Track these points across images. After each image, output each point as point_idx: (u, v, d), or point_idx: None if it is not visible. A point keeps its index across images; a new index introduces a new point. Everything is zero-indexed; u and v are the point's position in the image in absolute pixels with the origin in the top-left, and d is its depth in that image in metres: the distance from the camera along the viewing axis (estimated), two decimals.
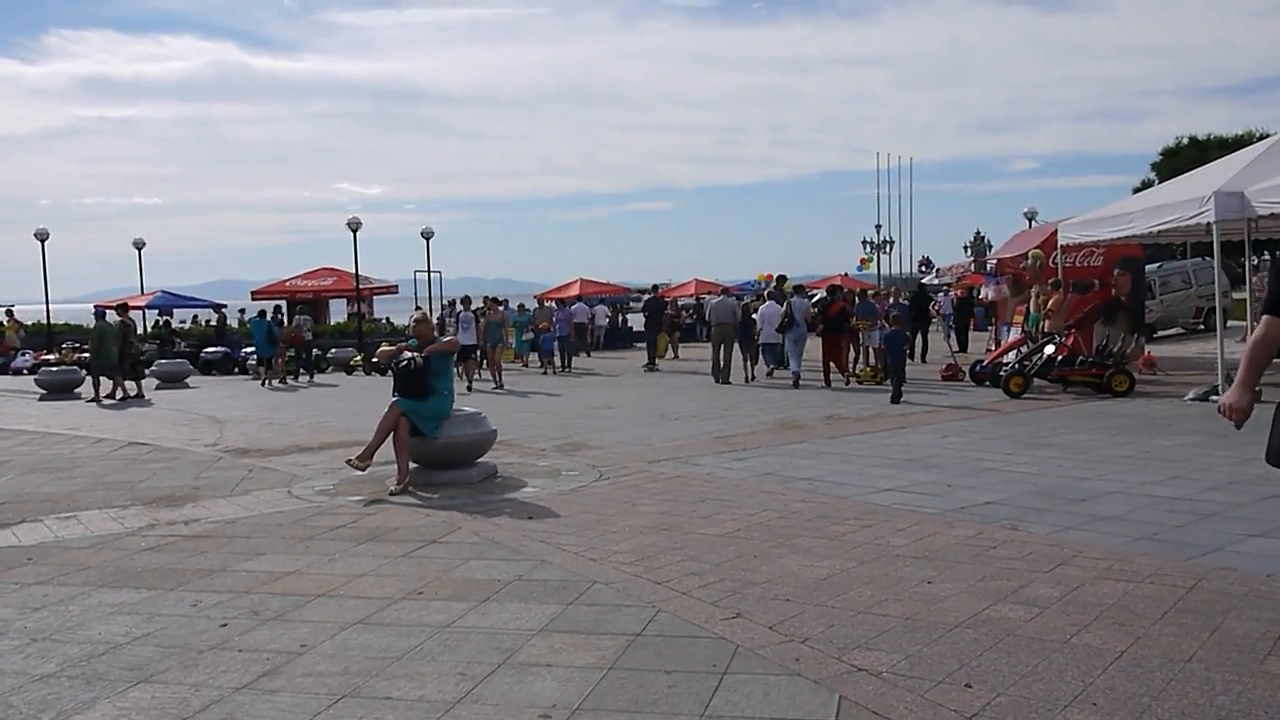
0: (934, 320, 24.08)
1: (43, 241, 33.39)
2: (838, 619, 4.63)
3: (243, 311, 28.25)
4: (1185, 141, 48.60)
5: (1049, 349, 14.65)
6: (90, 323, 23.53)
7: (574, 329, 26.69)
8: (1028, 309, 17.17)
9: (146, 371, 21.04)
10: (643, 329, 26.11)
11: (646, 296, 26.26)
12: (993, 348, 19.97)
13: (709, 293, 39.67)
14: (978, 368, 16.59)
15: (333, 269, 37.72)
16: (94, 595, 5.37)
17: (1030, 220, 30.47)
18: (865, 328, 18.78)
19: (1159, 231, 14.42)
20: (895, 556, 5.70)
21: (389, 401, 8.45)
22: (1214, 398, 12.59)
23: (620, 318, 39.44)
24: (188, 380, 23.03)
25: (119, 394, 18.47)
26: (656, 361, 23.68)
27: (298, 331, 23.98)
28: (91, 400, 18.14)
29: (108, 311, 20.17)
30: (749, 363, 19.49)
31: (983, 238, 56.70)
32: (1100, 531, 6.18)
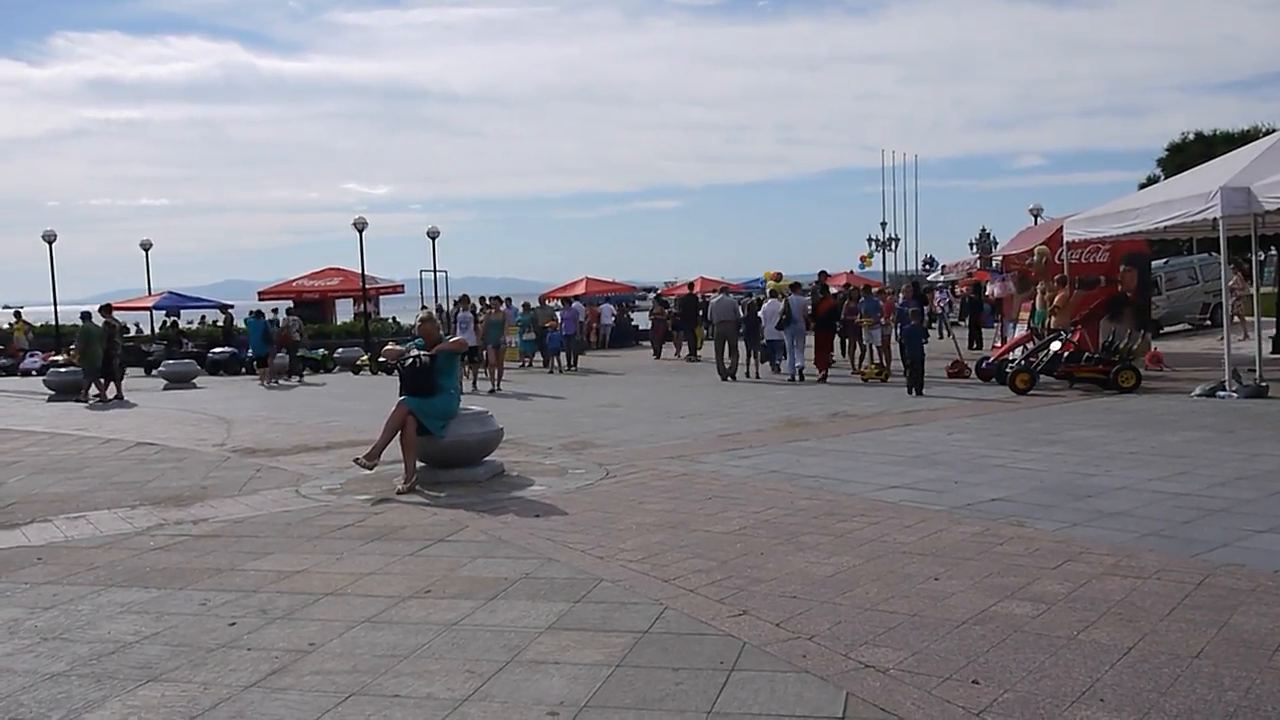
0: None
1: (50, 243, 33.50)
2: (845, 616, 4.63)
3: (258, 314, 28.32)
4: (1191, 137, 48.46)
5: (1055, 345, 14.64)
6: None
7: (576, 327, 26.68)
8: (1034, 305, 17.15)
9: (155, 371, 21.18)
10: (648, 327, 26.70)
11: (673, 294, 26.70)
12: (999, 344, 19.96)
13: (713, 291, 39.67)
14: (983, 364, 16.58)
15: (339, 269, 37.82)
16: (103, 594, 5.39)
17: (1036, 217, 30.42)
18: (868, 325, 18.70)
19: (1165, 227, 14.39)
20: (902, 553, 5.70)
21: (396, 400, 8.47)
22: (1221, 394, 12.57)
23: (626, 316, 39.43)
24: (195, 381, 23.09)
25: (109, 394, 18.59)
26: (697, 354, 25.27)
27: (287, 332, 24.22)
28: (78, 400, 18.22)
29: (92, 313, 20.35)
30: (754, 360, 19.73)
31: (988, 234, 56.61)
32: (1107, 528, 6.18)
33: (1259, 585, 4.89)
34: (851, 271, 47.77)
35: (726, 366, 19.01)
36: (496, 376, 19.51)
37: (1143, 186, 38.77)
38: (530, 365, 24.96)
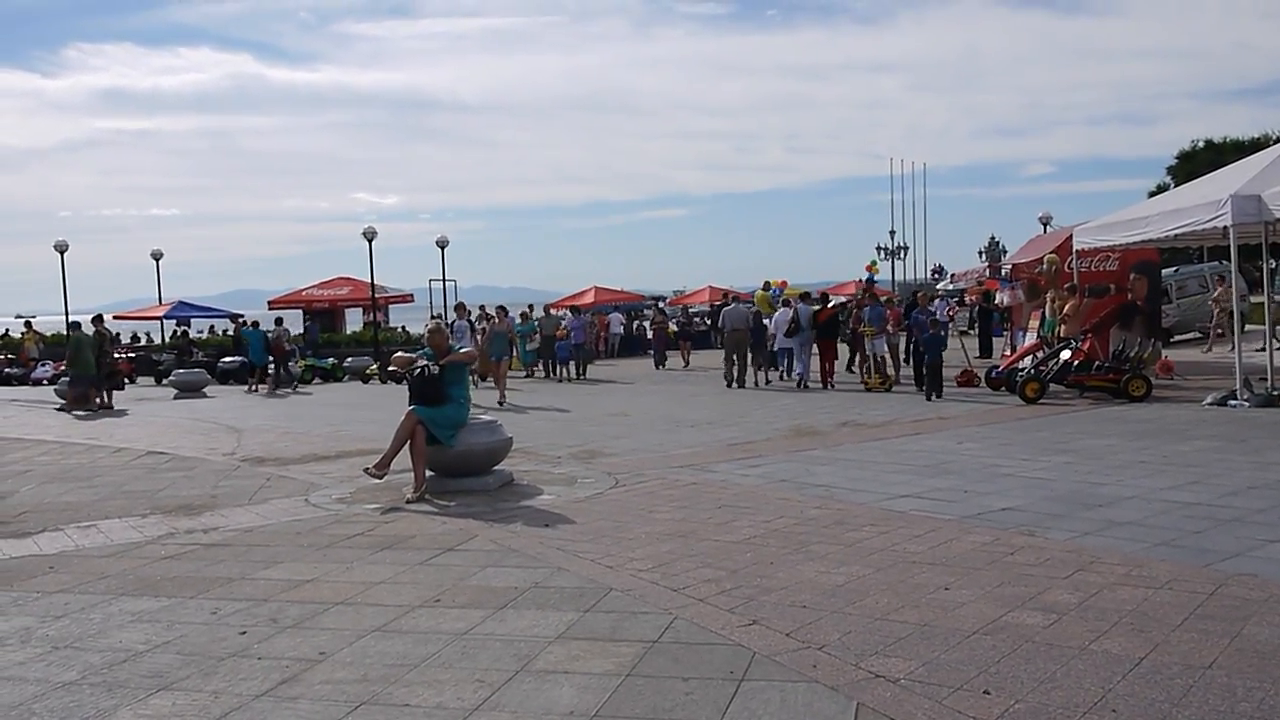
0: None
1: (62, 253, 33.69)
2: (855, 626, 4.62)
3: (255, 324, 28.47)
4: (1201, 145, 48.42)
5: (1065, 354, 14.60)
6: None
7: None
8: (1043, 314, 17.10)
9: (165, 381, 21.33)
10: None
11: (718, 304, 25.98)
12: (1008, 353, 19.90)
13: (722, 299, 39.68)
14: (993, 373, 16.55)
15: (349, 278, 37.94)
16: (114, 603, 5.41)
17: (1045, 225, 30.39)
18: (871, 334, 18.35)
19: (1175, 235, 14.34)
20: (912, 563, 5.68)
21: (405, 410, 8.49)
22: (1232, 403, 12.52)
23: (634, 325, 39.46)
24: (205, 390, 23.18)
25: (96, 403, 18.68)
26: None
27: (279, 342, 24.48)
28: (85, 410, 18.28)
29: (81, 323, 20.53)
30: (763, 368, 19.99)
31: (997, 243, 56.55)
32: (1118, 537, 6.15)
33: (1271, 595, 4.86)
34: (860, 280, 47.73)
35: (735, 374, 19.24)
36: (501, 390, 18.49)
37: (1152, 194, 38.77)
38: (532, 374, 24.81)
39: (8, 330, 37.69)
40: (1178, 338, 24.86)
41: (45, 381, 26.65)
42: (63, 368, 25.74)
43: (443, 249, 35.26)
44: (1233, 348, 21.48)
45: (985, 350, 24.08)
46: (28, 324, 34.24)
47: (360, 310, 38.08)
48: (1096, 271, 17.77)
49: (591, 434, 12.56)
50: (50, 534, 7.29)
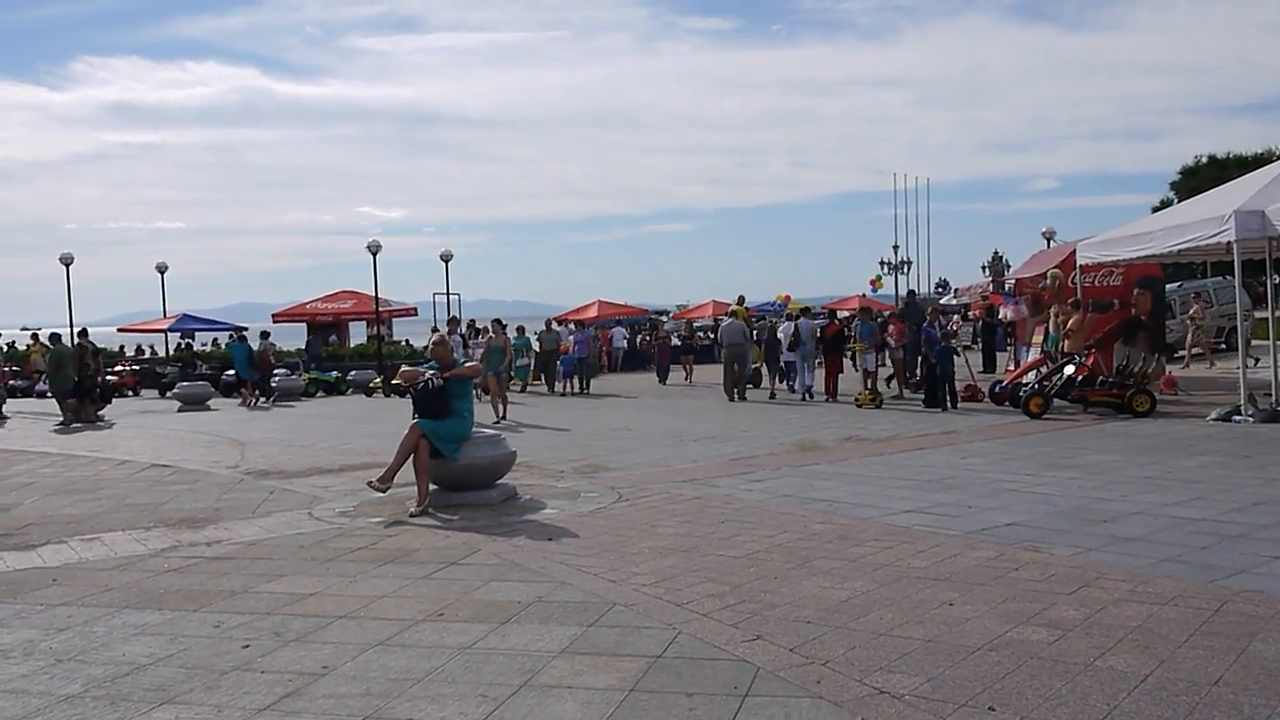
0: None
1: (68, 266, 33.75)
2: (859, 641, 4.61)
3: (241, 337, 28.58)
4: (1204, 160, 48.48)
5: (1069, 369, 14.60)
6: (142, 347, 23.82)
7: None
8: (1047, 329, 17.11)
9: (169, 393, 21.40)
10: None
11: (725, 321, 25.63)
12: (1012, 368, 19.89)
13: (725, 314, 39.72)
14: (997, 388, 16.54)
15: (353, 292, 37.98)
16: (118, 616, 5.41)
17: (1049, 240, 30.39)
18: (861, 350, 18.33)
19: (1179, 251, 14.34)
20: (916, 578, 5.67)
21: (409, 423, 8.49)
22: (1237, 418, 12.50)
23: (639, 339, 39.48)
24: (209, 402, 23.21)
25: (80, 416, 18.76)
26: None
27: (264, 355, 24.66)
28: (60, 423, 18.31)
29: (62, 336, 20.63)
30: (774, 380, 20.41)
31: (1001, 258, 56.60)
32: (1123, 553, 6.14)
33: (1277, 612, 4.85)
34: (863, 295, 47.78)
35: (735, 387, 19.72)
36: (500, 406, 17.61)
37: (1156, 210, 38.79)
38: (525, 389, 24.44)
39: (14, 342, 37.78)
40: (1181, 353, 24.82)
41: (50, 394, 26.70)
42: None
43: (446, 263, 35.32)
44: (1211, 365, 21.49)
45: (989, 365, 24.09)
46: (34, 336, 34.32)
47: (364, 324, 38.12)
48: (1100, 286, 17.78)
49: (595, 448, 12.56)
50: (54, 546, 7.30)
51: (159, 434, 16.41)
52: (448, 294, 34.97)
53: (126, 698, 4.19)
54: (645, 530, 7.25)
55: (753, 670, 4.27)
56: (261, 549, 7.02)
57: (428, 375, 8.58)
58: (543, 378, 24.86)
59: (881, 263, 56.85)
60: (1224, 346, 25.09)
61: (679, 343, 29.71)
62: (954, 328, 25.12)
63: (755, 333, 21.74)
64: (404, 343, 37.15)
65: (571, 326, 27.61)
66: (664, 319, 42.51)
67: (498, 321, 21.59)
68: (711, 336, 39.63)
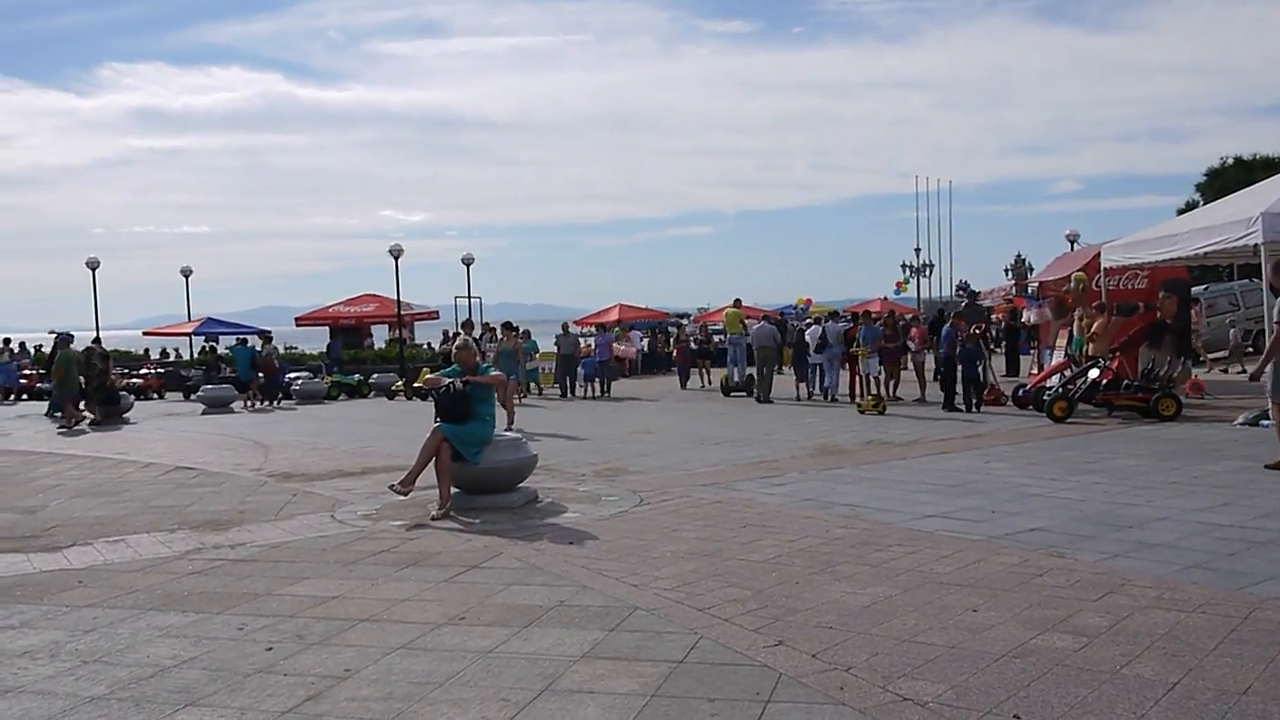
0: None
1: (94, 270, 34.10)
2: (882, 647, 4.58)
3: (243, 341, 28.76)
4: (1230, 162, 48.01)
5: (1093, 373, 14.47)
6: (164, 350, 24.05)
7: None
8: (1071, 332, 16.97)
9: (194, 396, 21.58)
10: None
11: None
12: (1035, 371, 19.75)
13: (747, 317, 39.64)
14: (1020, 392, 16.43)
15: (375, 295, 38.17)
16: (142, 618, 5.45)
17: (1072, 243, 30.19)
18: (864, 354, 18.20)
19: (1205, 253, 14.21)
20: (939, 584, 5.63)
21: (431, 427, 8.51)
22: (1265, 422, 12.35)
23: (661, 339, 39.45)
24: (232, 405, 23.38)
25: (85, 419, 18.92)
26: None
27: (267, 359, 24.89)
28: (61, 428, 18.46)
29: (71, 339, 20.83)
30: (801, 383, 20.71)
31: (1024, 260, 56.23)
32: (1149, 559, 6.08)
33: None
34: (885, 298, 47.58)
35: (763, 390, 20.20)
36: (509, 412, 15.90)
37: (1181, 212, 38.42)
38: (526, 394, 23.71)
39: (40, 346, 38.13)
40: (1208, 356, 24.59)
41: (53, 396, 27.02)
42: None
43: (468, 266, 35.47)
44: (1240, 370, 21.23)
45: (1012, 368, 23.92)
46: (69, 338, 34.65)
47: (386, 327, 38.29)
48: (1125, 289, 17.64)
49: (616, 451, 12.56)
50: (79, 548, 7.36)
51: (183, 436, 16.53)
52: (469, 297, 35.12)
53: (151, 700, 4.21)
54: (667, 534, 7.24)
55: (775, 676, 4.25)
56: (284, 551, 7.06)
57: (447, 380, 8.61)
58: (561, 383, 24.80)
59: (903, 266, 56.61)
60: (1250, 350, 24.82)
61: (695, 346, 29.63)
62: (978, 330, 24.97)
63: (778, 336, 22.16)
64: (425, 346, 37.28)
65: (593, 329, 27.57)
66: (685, 322, 42.48)
67: (508, 324, 21.43)
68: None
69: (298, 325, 39.15)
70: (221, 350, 36.97)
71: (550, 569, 6.25)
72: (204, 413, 22.15)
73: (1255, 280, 23.25)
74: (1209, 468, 9.48)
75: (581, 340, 28.96)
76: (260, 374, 24.46)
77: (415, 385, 21.21)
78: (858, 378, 18.95)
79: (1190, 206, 41.28)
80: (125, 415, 20.38)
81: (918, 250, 56.88)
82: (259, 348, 25.99)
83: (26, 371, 30.75)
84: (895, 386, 19.31)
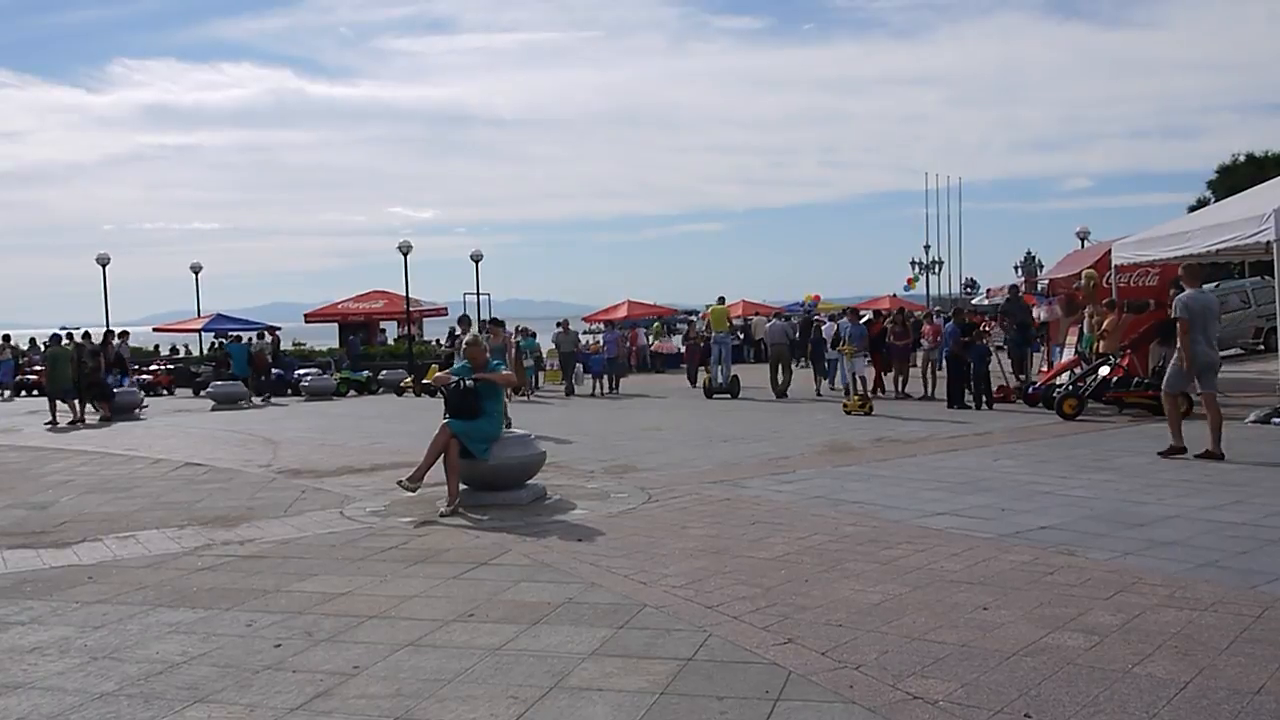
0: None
1: (104, 266, 34.18)
2: (892, 645, 4.56)
3: (237, 338, 28.85)
4: (1242, 158, 47.75)
5: (1104, 370, 14.41)
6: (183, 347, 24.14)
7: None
8: (1081, 330, 16.90)
9: (203, 393, 21.68)
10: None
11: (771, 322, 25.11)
12: (1045, 369, 19.69)
13: (756, 314, 39.59)
14: (1030, 389, 16.37)
15: (384, 292, 38.21)
16: (152, 614, 5.45)
17: (1083, 240, 30.06)
18: (850, 353, 17.89)
19: (1217, 250, 14.12)
20: (949, 582, 5.61)
21: (440, 423, 8.51)
22: (1275, 420, 12.29)
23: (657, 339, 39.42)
24: (242, 401, 23.44)
25: (79, 417, 18.93)
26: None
27: (260, 354, 25.10)
28: (49, 424, 18.49)
29: (63, 336, 20.92)
30: (818, 379, 21.19)
31: (1034, 257, 56.04)
32: (1161, 557, 6.04)
33: None
34: (894, 295, 47.51)
35: (780, 385, 20.38)
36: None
37: (1192, 209, 38.25)
38: (527, 395, 23.33)
39: (47, 343, 38.25)
40: (1220, 353, 24.48)
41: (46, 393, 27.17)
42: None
43: (477, 263, 35.45)
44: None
45: (1019, 367, 23.81)
46: (69, 336, 34.77)
47: (395, 323, 38.35)
48: (1135, 287, 17.54)
49: (624, 448, 12.55)
50: (89, 544, 7.38)
51: (193, 432, 16.58)
52: (478, 294, 35.11)
53: (160, 696, 4.21)
54: (675, 531, 7.22)
55: (784, 674, 4.24)
56: (293, 548, 7.06)
57: (455, 378, 8.61)
58: (564, 382, 24.45)
59: (913, 262, 56.50)
60: (1262, 348, 24.71)
61: (703, 344, 29.54)
62: (987, 328, 24.88)
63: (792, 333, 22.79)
64: (435, 342, 37.32)
65: (603, 326, 27.53)
66: (694, 319, 42.45)
67: (495, 320, 21.10)
68: (740, 337, 39.46)
69: (307, 321, 39.21)
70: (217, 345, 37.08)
71: (559, 566, 6.24)
72: (213, 409, 22.20)
73: (1267, 277, 23.17)
74: (1220, 465, 9.43)
75: (590, 337, 28.94)
76: (255, 369, 24.75)
77: (424, 382, 21.18)
78: (890, 372, 19.46)
79: (1202, 203, 41.08)
80: (135, 411, 20.46)
81: (927, 247, 56.78)
82: (252, 344, 26.20)
83: (39, 368, 30.87)
84: (904, 384, 19.32)
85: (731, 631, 4.84)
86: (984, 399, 16.27)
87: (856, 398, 16.71)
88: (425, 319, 38.89)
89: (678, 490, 9.03)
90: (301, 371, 27.75)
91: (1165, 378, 10.32)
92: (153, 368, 32.41)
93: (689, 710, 3.88)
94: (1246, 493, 8.01)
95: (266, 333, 33.22)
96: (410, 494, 8.49)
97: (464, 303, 35.18)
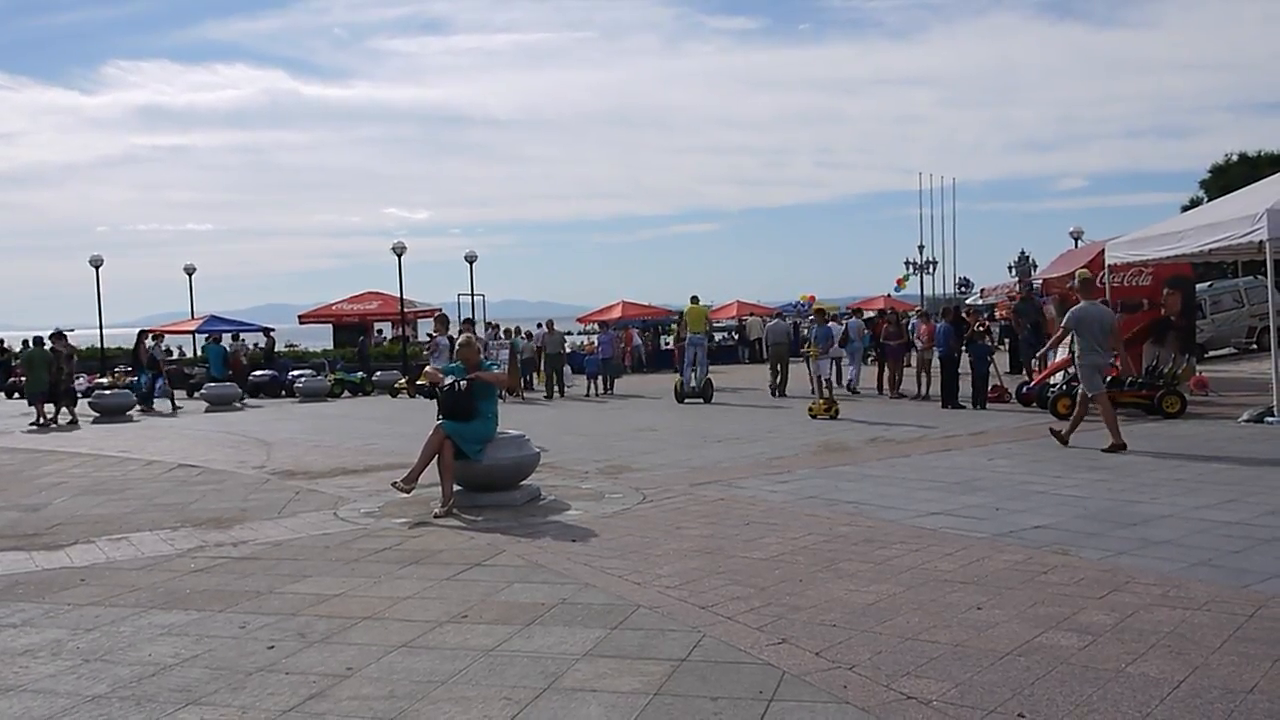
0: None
1: (97, 267, 34.10)
2: (885, 645, 4.56)
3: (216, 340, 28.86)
4: (1235, 158, 47.88)
5: None
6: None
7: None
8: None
9: (197, 394, 21.71)
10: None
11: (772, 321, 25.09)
12: (1039, 369, 19.72)
13: (751, 314, 39.66)
14: (1024, 389, 16.39)
15: (378, 293, 38.20)
16: (144, 616, 5.44)
17: (1076, 240, 30.13)
18: (815, 355, 17.64)
19: (1210, 250, 14.16)
20: (943, 581, 5.61)
21: (434, 424, 8.50)
22: (1269, 419, 12.32)
23: (660, 339, 39.45)
24: (235, 403, 23.40)
25: (51, 419, 18.93)
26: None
27: (235, 356, 25.24)
28: (33, 424, 18.45)
29: (43, 338, 20.91)
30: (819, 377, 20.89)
31: (1028, 257, 56.13)
32: (1154, 557, 6.05)
33: None
34: (888, 295, 47.56)
35: (778, 384, 20.76)
36: None
37: (1186, 208, 38.33)
38: (523, 395, 23.29)
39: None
40: (1212, 353, 24.55)
41: (80, 394, 27.02)
42: (96, 380, 26.19)
43: (471, 264, 35.45)
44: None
45: (1015, 366, 23.87)
46: (53, 338, 34.69)
47: (389, 324, 38.33)
48: (1129, 287, 17.58)
49: (619, 449, 12.54)
50: (82, 546, 7.35)
51: (186, 434, 16.55)
52: (472, 295, 35.10)
53: (152, 698, 4.20)
54: (669, 532, 7.22)
55: (778, 674, 4.24)
56: (287, 550, 7.05)
57: (452, 379, 8.59)
58: (553, 378, 23.88)
59: (907, 262, 56.53)
60: (1255, 347, 24.78)
61: None
62: (982, 326, 24.92)
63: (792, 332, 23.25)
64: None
65: (596, 326, 27.54)
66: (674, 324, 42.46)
67: (468, 321, 20.76)
68: (735, 337, 39.52)
69: (301, 323, 39.19)
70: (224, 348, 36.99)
71: (553, 567, 6.24)
72: (207, 410, 22.16)
73: (1260, 277, 23.24)
74: (1213, 464, 9.45)
75: (584, 338, 28.94)
76: (231, 371, 24.87)
77: (418, 383, 21.16)
78: (885, 372, 19.82)
79: (1195, 203, 41.18)
80: (129, 413, 20.43)
81: (921, 247, 56.81)
82: (229, 346, 26.32)
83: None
84: (898, 383, 19.37)
85: (725, 632, 4.84)
86: (978, 399, 16.34)
87: (822, 401, 16.13)
88: (420, 320, 38.85)
89: (672, 491, 9.02)
90: (295, 373, 27.71)
91: (1082, 384, 11.20)
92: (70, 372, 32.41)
93: (683, 711, 3.88)
94: (1240, 492, 8.03)
95: (264, 334, 33.21)
96: (404, 495, 8.48)
97: (458, 303, 35.19)
